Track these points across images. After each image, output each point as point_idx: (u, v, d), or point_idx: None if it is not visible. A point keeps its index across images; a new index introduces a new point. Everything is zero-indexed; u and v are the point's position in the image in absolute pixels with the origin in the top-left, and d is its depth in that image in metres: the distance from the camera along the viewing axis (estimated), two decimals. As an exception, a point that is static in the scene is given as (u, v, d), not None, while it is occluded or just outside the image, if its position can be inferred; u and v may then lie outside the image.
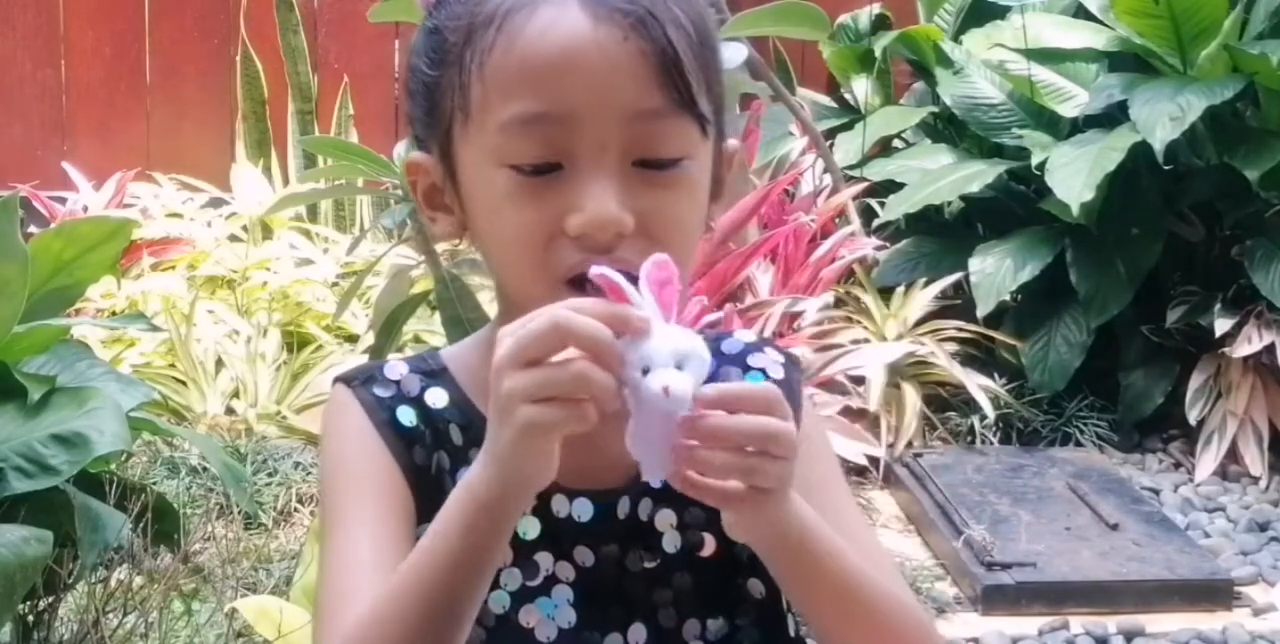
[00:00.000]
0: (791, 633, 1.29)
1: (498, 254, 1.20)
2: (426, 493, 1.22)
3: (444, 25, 1.18)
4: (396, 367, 1.27)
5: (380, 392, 1.24)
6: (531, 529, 1.22)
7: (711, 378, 1.25)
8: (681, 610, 1.24)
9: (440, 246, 2.80)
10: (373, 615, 1.11)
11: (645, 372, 1.03)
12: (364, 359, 3.43)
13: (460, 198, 1.21)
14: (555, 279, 1.15)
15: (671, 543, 1.24)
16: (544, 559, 1.22)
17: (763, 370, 1.29)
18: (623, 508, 1.23)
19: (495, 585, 1.21)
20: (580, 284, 1.13)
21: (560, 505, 1.22)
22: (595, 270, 1.06)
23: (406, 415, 1.23)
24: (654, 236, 1.15)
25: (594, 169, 1.13)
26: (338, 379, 1.27)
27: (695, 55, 1.15)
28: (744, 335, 1.32)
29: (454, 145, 1.19)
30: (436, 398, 1.25)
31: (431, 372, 1.27)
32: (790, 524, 1.12)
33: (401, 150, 2.74)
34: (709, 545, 1.25)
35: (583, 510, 1.23)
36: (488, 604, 1.20)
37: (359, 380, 1.25)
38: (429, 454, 1.23)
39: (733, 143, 1.24)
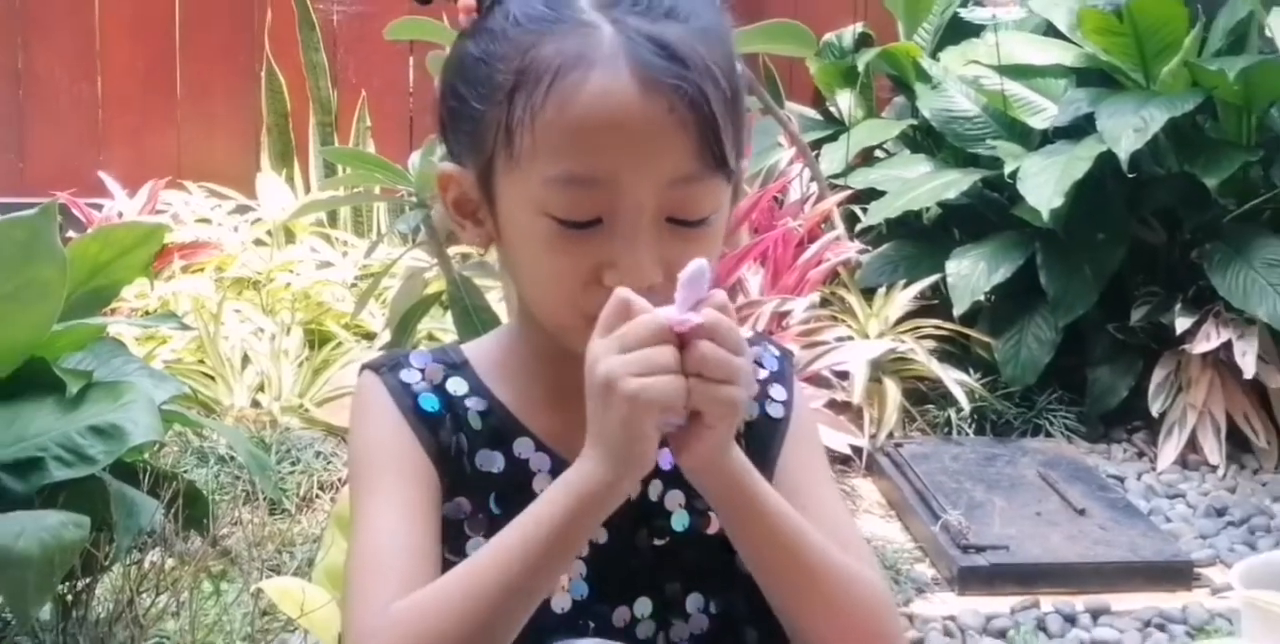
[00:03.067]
0: None
1: (530, 286, 1.21)
2: (448, 473, 1.23)
3: (492, 61, 1.17)
4: (421, 356, 1.28)
5: (406, 377, 1.25)
6: None
7: None
8: (686, 585, 1.25)
9: (452, 250, 2.80)
10: (446, 590, 1.12)
11: None
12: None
13: (496, 220, 1.21)
14: (585, 316, 1.16)
15: (680, 522, 1.25)
16: None
17: (759, 362, 1.30)
18: (634, 489, 1.24)
19: None
20: None
21: None
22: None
23: (429, 402, 1.24)
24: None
25: (630, 227, 1.14)
26: (365, 366, 1.28)
27: (728, 111, 1.15)
28: (743, 331, 1.34)
29: (495, 176, 1.19)
30: (457, 386, 1.26)
31: (453, 364, 1.28)
32: (740, 476, 1.16)
33: (415, 160, 2.74)
34: (714, 523, 1.26)
35: None
36: None
37: (386, 367, 1.27)
38: (450, 436, 1.24)
39: (744, 163, 1.25)
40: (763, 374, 1.31)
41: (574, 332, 1.17)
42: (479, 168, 1.20)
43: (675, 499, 1.26)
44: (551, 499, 1.11)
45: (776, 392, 1.30)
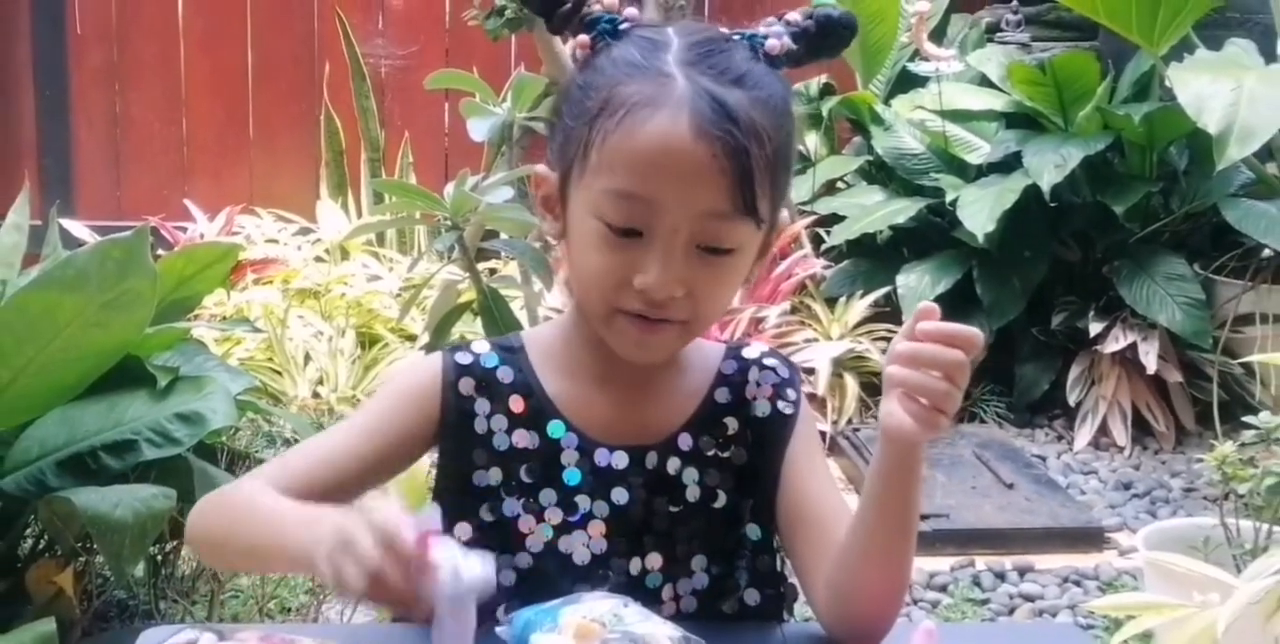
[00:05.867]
0: (776, 569, 1.30)
1: (579, 276, 1.22)
2: (460, 445, 1.24)
3: (588, 90, 1.18)
4: (482, 343, 1.29)
5: (460, 359, 1.27)
6: (573, 478, 1.24)
7: (732, 376, 1.29)
8: (693, 547, 1.26)
9: (480, 266, 2.80)
10: (236, 501, 1.20)
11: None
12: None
13: (565, 217, 1.22)
14: (614, 309, 1.18)
15: (692, 494, 1.26)
16: (583, 501, 1.24)
17: (773, 369, 1.31)
18: (650, 460, 1.25)
19: (540, 520, 1.23)
20: (629, 316, 1.18)
21: (602, 457, 1.25)
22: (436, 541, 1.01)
23: (467, 385, 1.26)
24: (698, 302, 1.18)
25: (664, 245, 1.15)
26: (441, 347, 1.32)
27: (768, 168, 1.15)
28: (758, 345, 1.35)
29: (570, 182, 1.20)
30: (505, 374, 1.26)
31: (509, 348, 1.29)
32: (920, 458, 1.16)
33: (450, 190, 2.74)
34: (721, 499, 1.27)
35: (619, 461, 1.25)
36: (535, 535, 1.23)
37: (452, 348, 1.29)
38: (481, 418, 1.24)
39: (784, 216, 1.25)
40: (775, 379, 1.31)
41: (605, 320, 1.19)
42: (562, 173, 1.21)
43: (690, 475, 1.26)
44: (305, 529, 1.06)
45: (788, 394, 1.31)
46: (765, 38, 1.20)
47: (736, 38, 1.21)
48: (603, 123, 1.15)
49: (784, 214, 1.24)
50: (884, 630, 1.21)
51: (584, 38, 1.21)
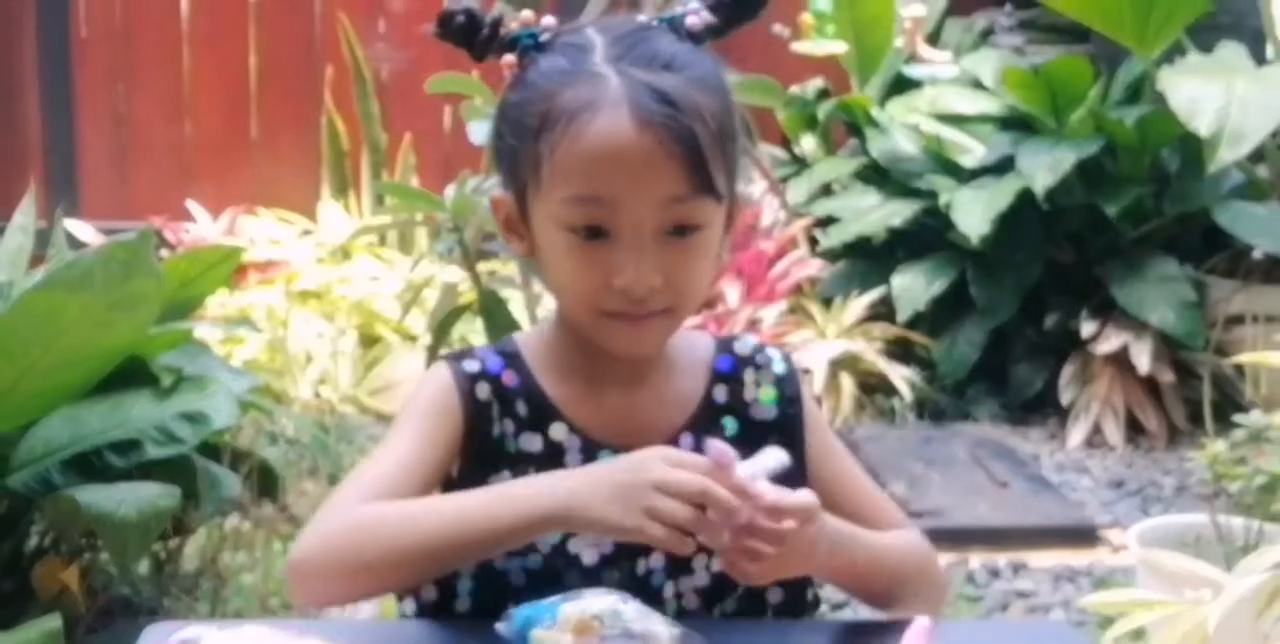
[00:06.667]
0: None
1: (557, 287, 1.23)
2: (479, 450, 1.24)
3: (524, 106, 1.19)
4: (483, 350, 1.29)
5: (469, 367, 1.26)
6: None
7: (728, 375, 1.29)
8: (696, 546, 1.26)
9: (480, 267, 2.82)
10: (385, 518, 1.15)
11: None
12: (423, 354, 3.44)
13: (530, 234, 1.23)
14: (599, 312, 1.19)
15: None
16: None
17: (768, 365, 1.31)
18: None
19: None
20: (615, 316, 1.18)
21: (607, 459, 1.23)
22: (713, 443, 1.12)
23: (483, 390, 1.25)
24: (677, 288, 1.18)
25: (633, 240, 1.16)
26: (440, 357, 1.31)
27: (717, 145, 1.16)
28: (749, 339, 1.35)
29: (528, 199, 1.21)
30: (510, 379, 1.27)
31: (507, 353, 1.28)
32: (829, 556, 1.17)
33: (451, 192, 2.75)
34: None
35: None
36: (545, 537, 1.22)
37: (454, 357, 1.28)
38: (497, 422, 1.25)
39: (747, 190, 1.26)
40: (772, 377, 1.31)
41: (593, 325, 1.20)
42: (516, 192, 1.22)
43: None
44: (510, 498, 1.12)
45: (789, 388, 1.31)
46: (684, 17, 1.21)
47: (656, 23, 1.21)
48: (548, 135, 1.15)
49: (747, 188, 1.25)
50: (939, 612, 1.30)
51: (509, 57, 1.22)
